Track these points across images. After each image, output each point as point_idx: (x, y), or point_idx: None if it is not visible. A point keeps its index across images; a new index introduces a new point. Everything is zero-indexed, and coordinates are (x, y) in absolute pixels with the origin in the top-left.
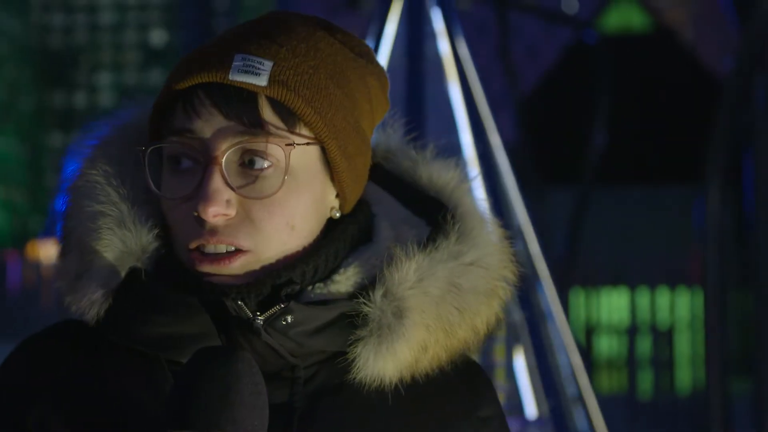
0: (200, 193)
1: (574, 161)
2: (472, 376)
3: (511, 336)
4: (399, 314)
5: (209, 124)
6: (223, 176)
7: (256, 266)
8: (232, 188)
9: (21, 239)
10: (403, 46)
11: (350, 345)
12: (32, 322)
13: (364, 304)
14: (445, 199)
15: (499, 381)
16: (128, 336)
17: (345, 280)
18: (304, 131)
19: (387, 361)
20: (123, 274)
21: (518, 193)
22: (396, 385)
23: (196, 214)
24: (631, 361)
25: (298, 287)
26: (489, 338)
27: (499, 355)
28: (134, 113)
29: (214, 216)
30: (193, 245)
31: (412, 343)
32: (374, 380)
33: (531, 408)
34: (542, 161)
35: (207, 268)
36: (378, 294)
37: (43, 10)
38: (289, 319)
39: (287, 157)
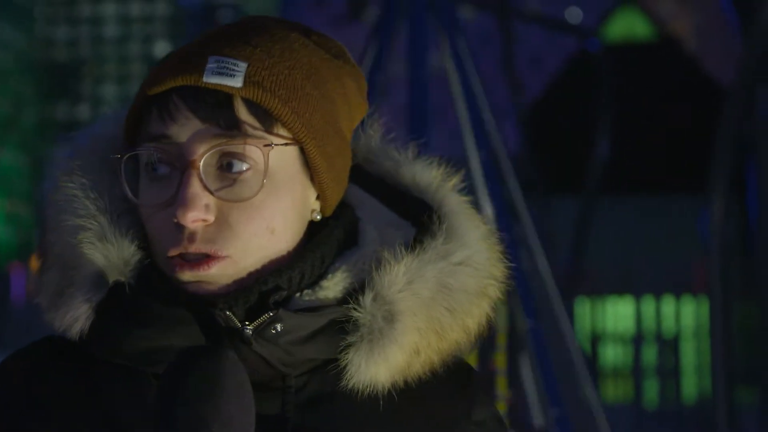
0: (178, 199)
1: (579, 170)
2: (465, 378)
3: (516, 345)
4: (390, 318)
5: (185, 128)
6: (201, 181)
7: (234, 272)
8: (210, 192)
9: (25, 252)
10: (405, 56)
11: (341, 352)
12: (36, 334)
13: (354, 309)
14: (429, 199)
15: (500, 390)
16: (113, 351)
17: (333, 286)
18: (282, 132)
19: (379, 366)
20: (106, 288)
21: (523, 202)
22: (389, 390)
23: (175, 220)
24: (636, 370)
25: (285, 293)
26: (489, 346)
27: (499, 363)
28: (110, 124)
29: (193, 221)
30: (173, 252)
31: (404, 347)
32: (367, 386)
33: (537, 417)
34: (547, 171)
35: (187, 275)
36: (368, 298)
37: (47, 22)
38: (278, 327)
39: (266, 158)
